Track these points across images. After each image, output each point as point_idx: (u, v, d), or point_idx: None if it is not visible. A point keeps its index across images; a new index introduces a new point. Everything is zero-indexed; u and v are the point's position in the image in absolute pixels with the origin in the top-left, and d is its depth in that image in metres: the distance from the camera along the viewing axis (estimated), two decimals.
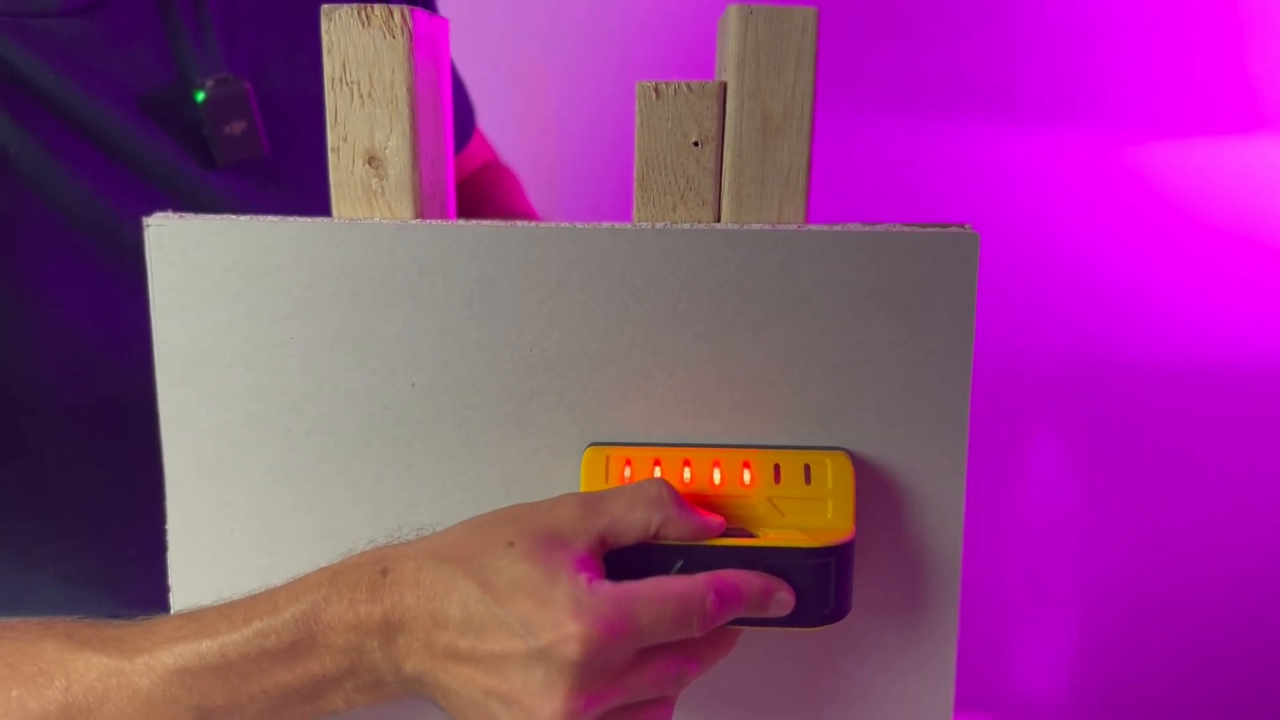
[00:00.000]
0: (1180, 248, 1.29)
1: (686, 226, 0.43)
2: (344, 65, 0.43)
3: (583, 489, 0.43)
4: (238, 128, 0.56)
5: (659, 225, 0.43)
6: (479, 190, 0.78)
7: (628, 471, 0.43)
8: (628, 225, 0.43)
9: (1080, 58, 1.28)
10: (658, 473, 0.43)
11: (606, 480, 0.43)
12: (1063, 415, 1.38)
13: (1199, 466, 1.33)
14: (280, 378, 0.44)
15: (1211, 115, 1.26)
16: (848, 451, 0.43)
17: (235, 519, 0.45)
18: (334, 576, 0.39)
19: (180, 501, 0.46)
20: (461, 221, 0.43)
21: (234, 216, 0.44)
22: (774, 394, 0.43)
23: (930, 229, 0.43)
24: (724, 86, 0.43)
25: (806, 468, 0.43)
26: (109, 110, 0.53)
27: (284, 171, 0.58)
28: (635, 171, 0.43)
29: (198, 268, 0.44)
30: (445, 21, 0.48)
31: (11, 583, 0.57)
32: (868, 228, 0.43)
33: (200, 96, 0.55)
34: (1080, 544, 1.41)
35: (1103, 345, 1.34)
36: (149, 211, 0.44)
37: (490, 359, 0.44)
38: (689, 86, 0.43)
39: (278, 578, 0.40)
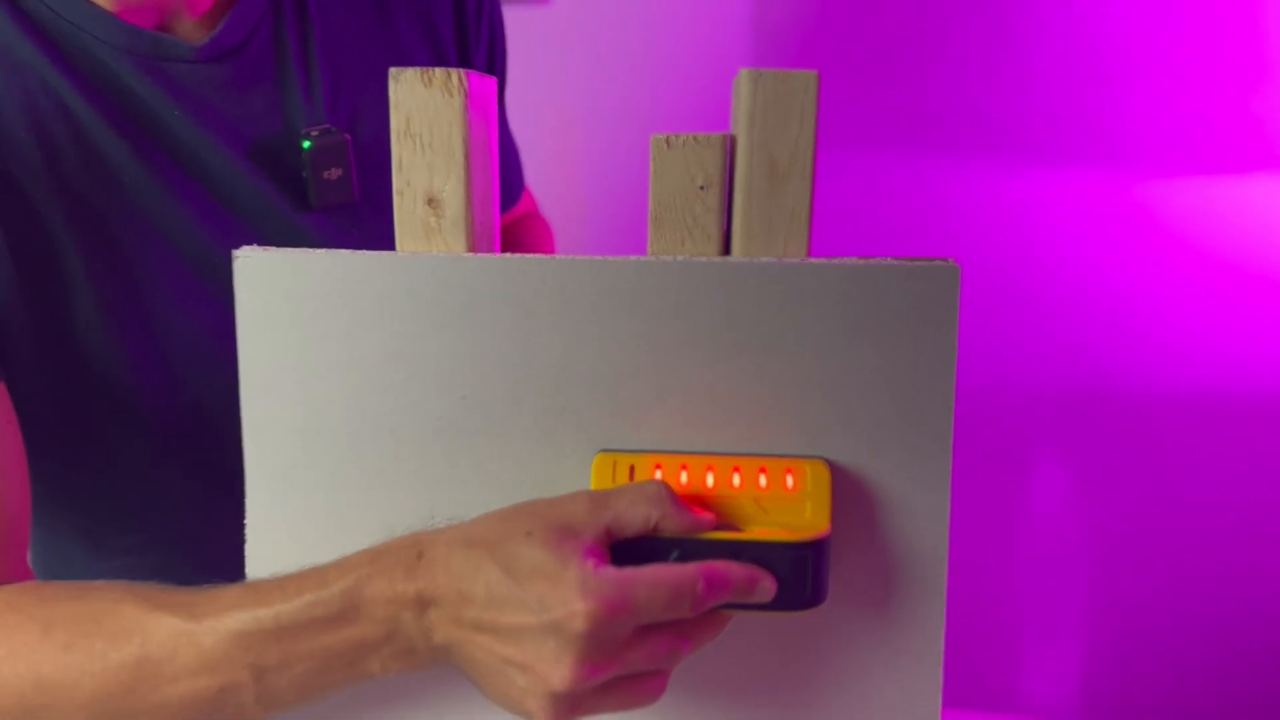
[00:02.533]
0: (1181, 280, 1.33)
1: (700, 259, 0.49)
2: (408, 120, 0.50)
3: (593, 488, 0.49)
4: (335, 174, 0.63)
5: (676, 258, 0.49)
6: (518, 235, 0.84)
7: (632, 473, 0.49)
8: (647, 258, 0.50)
9: (1087, 101, 1.33)
10: (658, 475, 0.48)
11: (613, 481, 0.49)
12: (1069, 438, 1.41)
13: (1197, 486, 1.37)
14: (348, 391, 0.51)
15: (1212, 155, 1.31)
16: (826, 460, 0.49)
17: (307, 511, 0.52)
18: (376, 557, 0.45)
19: (258, 497, 0.52)
20: (506, 255, 0.50)
21: (310, 250, 0.50)
22: (767, 409, 0.49)
23: (916, 263, 0.49)
24: (727, 138, 0.50)
25: (788, 472, 0.49)
26: (221, 150, 0.60)
27: (367, 215, 0.65)
28: (650, 211, 0.50)
29: (278, 295, 0.51)
30: (494, 81, 0.55)
31: (85, 570, 0.63)
32: (860, 261, 0.49)
33: (306, 145, 0.62)
34: (1085, 561, 1.44)
35: (1107, 373, 1.38)
36: (251, 241, 0.51)
37: (525, 375, 0.50)
38: (696, 138, 0.49)
39: None
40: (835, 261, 0.49)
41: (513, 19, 0.91)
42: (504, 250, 0.81)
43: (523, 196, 0.85)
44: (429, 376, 0.50)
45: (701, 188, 0.50)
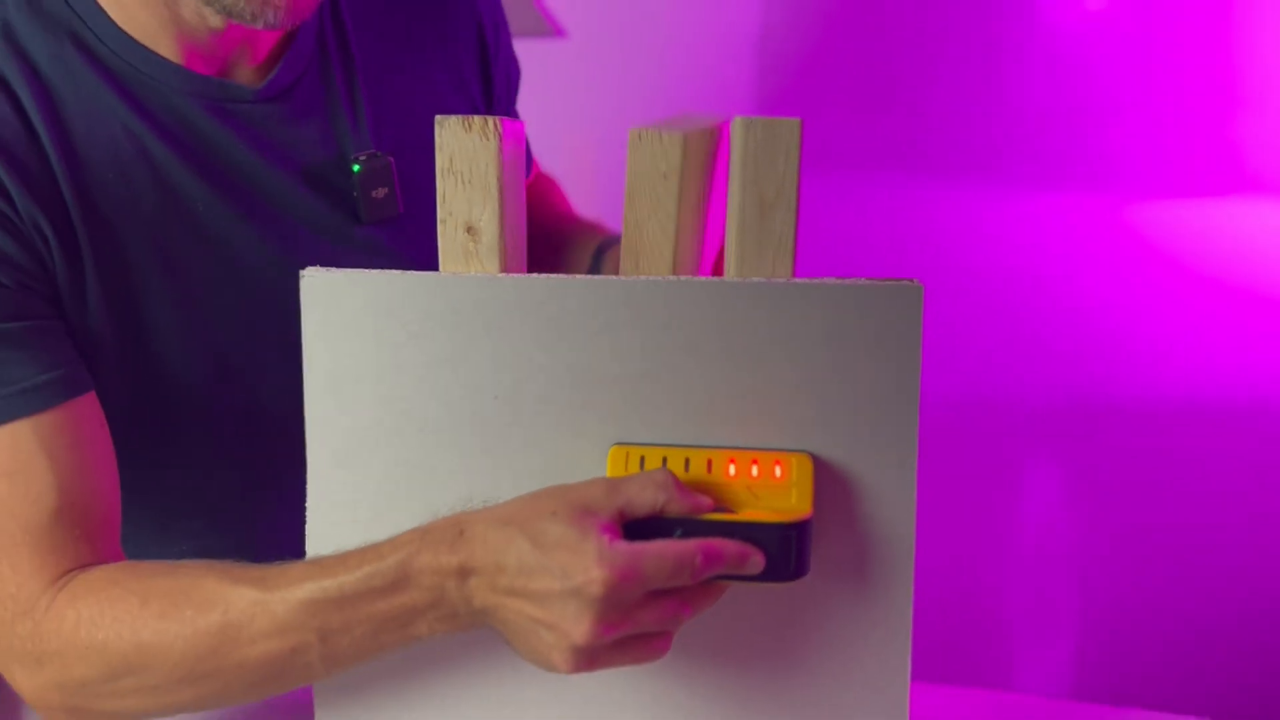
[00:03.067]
0: (1164, 295, 1.40)
1: (702, 280, 0.57)
2: (451, 159, 0.58)
3: (608, 475, 0.57)
4: (381, 193, 0.71)
5: (679, 279, 0.57)
6: (533, 197, 0.93)
7: (642, 463, 0.57)
8: (657, 278, 0.58)
9: (1073, 126, 1.41)
10: (664, 465, 0.56)
11: (626, 470, 0.57)
12: (1059, 443, 1.47)
13: (1182, 488, 1.42)
14: (399, 391, 0.59)
15: (1192, 178, 1.38)
16: (810, 453, 0.57)
17: (360, 497, 0.60)
18: (424, 534, 0.54)
19: (319, 485, 0.60)
20: (534, 275, 0.58)
21: (366, 271, 0.59)
22: (758, 409, 0.57)
23: (884, 283, 0.57)
24: (685, 137, 0.59)
25: (776, 464, 0.57)
26: (281, 176, 0.69)
27: (408, 226, 0.73)
28: (625, 189, 0.58)
29: (338, 309, 0.59)
30: (522, 124, 0.63)
31: (151, 554, 0.70)
32: (836, 281, 0.57)
33: (356, 168, 0.71)
34: (1076, 558, 1.49)
35: (1099, 385, 1.44)
36: (306, 256, 0.59)
37: (550, 378, 0.58)
38: (660, 135, 0.59)
39: None
40: (814, 281, 0.57)
41: (530, 51, 0.99)
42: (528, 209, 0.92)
43: (532, 166, 0.93)
44: (466, 380, 0.58)
45: (664, 176, 0.58)
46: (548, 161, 1.06)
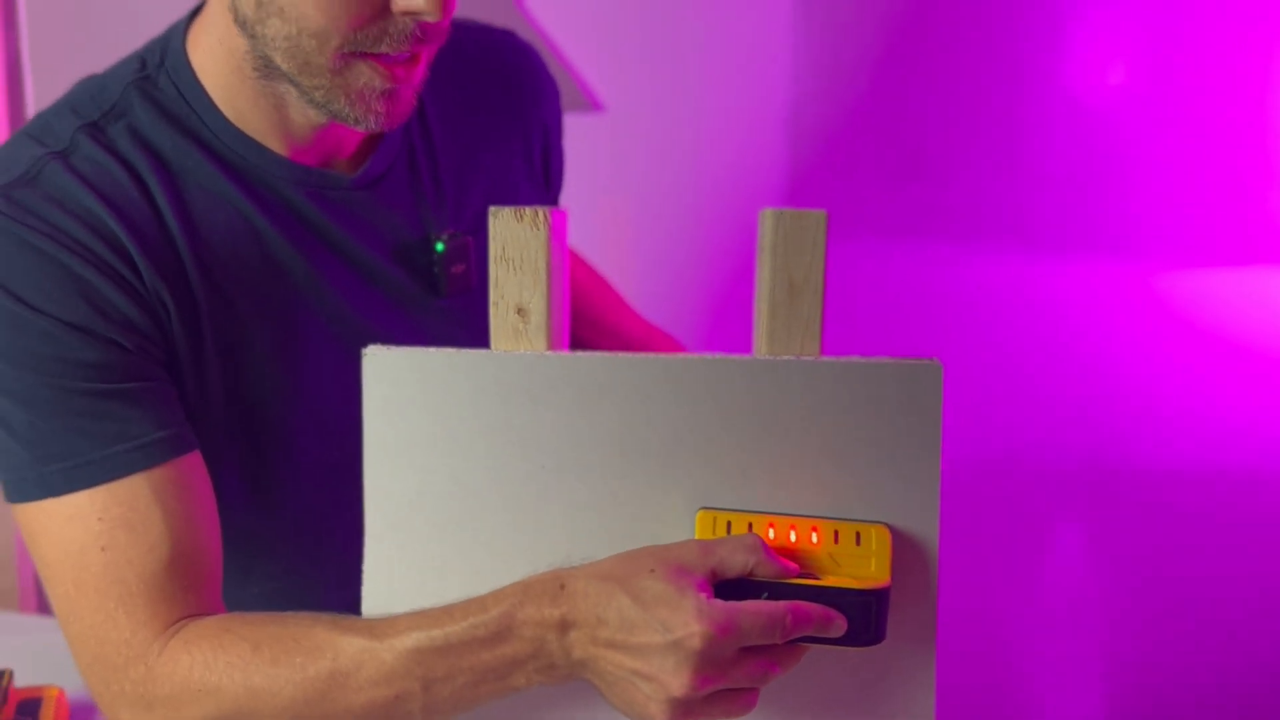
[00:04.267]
0: (1188, 362, 1.43)
1: (735, 357, 0.62)
2: (504, 247, 0.63)
3: (697, 537, 0.60)
4: (460, 269, 0.77)
5: (715, 356, 0.62)
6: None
7: (729, 528, 0.61)
8: (693, 356, 0.62)
9: (1097, 197, 1.45)
10: (750, 529, 0.60)
11: (714, 533, 0.61)
12: (1084, 502, 1.50)
13: (1205, 550, 1.44)
14: (453, 460, 0.63)
15: (1217, 248, 1.41)
16: (889, 525, 0.61)
17: (413, 561, 0.64)
18: (526, 588, 0.57)
19: (375, 549, 0.64)
20: (579, 353, 0.63)
21: (424, 349, 0.63)
22: (786, 476, 0.61)
23: (905, 361, 0.61)
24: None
25: (857, 534, 0.61)
26: (372, 254, 0.75)
27: (481, 299, 0.78)
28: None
29: (398, 383, 0.63)
30: (565, 212, 0.68)
31: (229, 596, 0.74)
32: (861, 360, 0.61)
33: (440, 247, 0.77)
34: (1103, 618, 1.51)
35: (1119, 449, 1.47)
36: (393, 326, 0.64)
37: (593, 448, 0.62)
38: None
39: (451, 599, 0.59)
40: (841, 360, 0.62)
41: (570, 125, 1.05)
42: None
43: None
44: (515, 449, 0.63)
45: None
46: (584, 229, 1.12)
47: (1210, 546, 1.44)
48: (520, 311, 0.64)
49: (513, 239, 0.63)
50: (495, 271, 0.63)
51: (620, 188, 1.57)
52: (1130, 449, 1.47)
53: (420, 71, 0.69)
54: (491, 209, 0.64)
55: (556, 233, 0.64)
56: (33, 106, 1.79)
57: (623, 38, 1.57)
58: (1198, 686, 1.44)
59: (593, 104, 1.55)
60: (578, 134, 1.19)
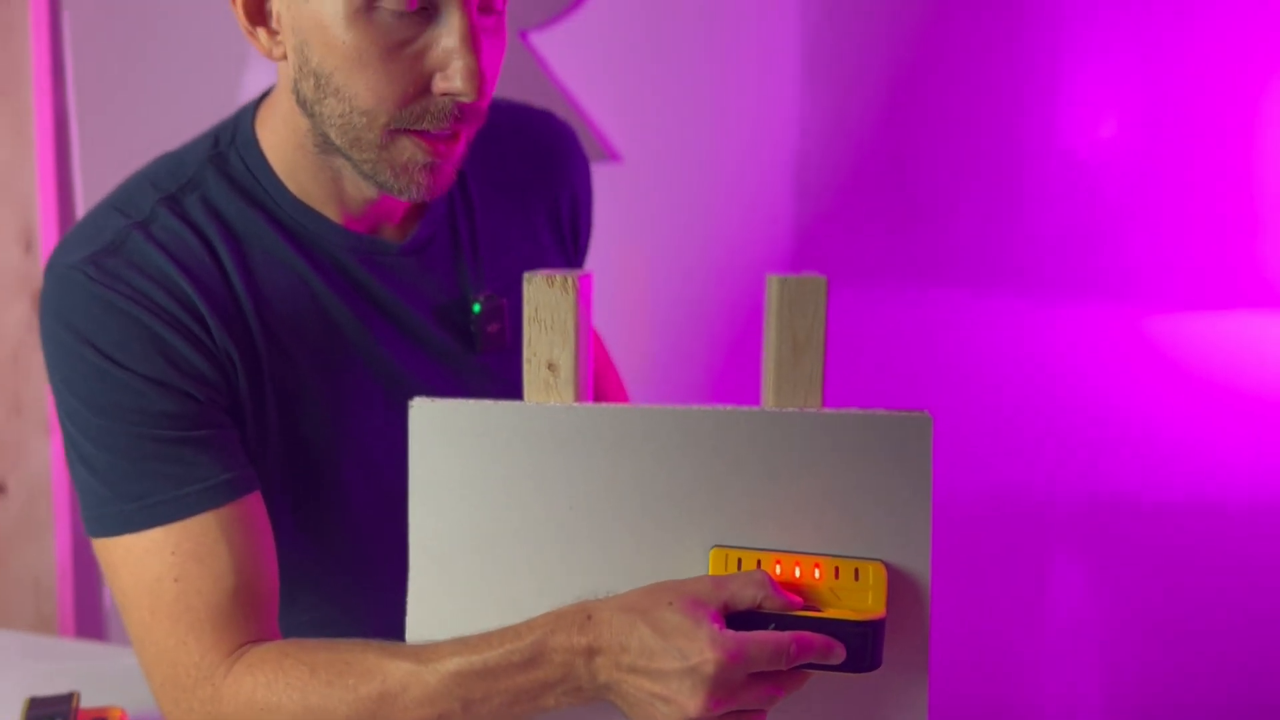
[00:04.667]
0: (1182, 402, 1.46)
1: (745, 409, 0.68)
2: (536, 309, 0.70)
3: (710, 573, 0.66)
4: (495, 328, 0.84)
5: (726, 408, 0.68)
6: (601, 386, 1.03)
7: (740, 564, 0.66)
8: (705, 407, 0.68)
9: (1094, 243, 1.50)
10: (759, 566, 0.66)
11: (725, 570, 0.66)
12: (1085, 541, 1.52)
13: (1201, 585, 1.46)
14: (490, 500, 0.69)
15: (1206, 292, 1.45)
16: (884, 562, 0.66)
17: (454, 593, 0.69)
18: (556, 618, 0.63)
19: (419, 582, 0.70)
20: (603, 404, 0.69)
21: (464, 400, 0.70)
22: (790, 519, 0.67)
23: (898, 414, 0.67)
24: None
25: (856, 570, 0.66)
26: (415, 313, 0.82)
27: (518, 355, 0.84)
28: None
29: (440, 432, 0.69)
30: (590, 277, 0.75)
31: (279, 620, 0.80)
32: (859, 412, 0.67)
33: (477, 308, 0.84)
34: (1102, 651, 1.53)
35: (1117, 485, 1.50)
36: (433, 379, 0.71)
37: (614, 490, 0.68)
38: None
39: (488, 627, 0.65)
40: (839, 412, 0.67)
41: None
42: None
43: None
44: (545, 492, 0.69)
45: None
46: (599, 277, 1.17)
47: (1207, 580, 1.47)
48: (551, 367, 0.70)
49: (544, 302, 0.70)
50: (528, 331, 0.70)
51: (634, 236, 1.63)
52: (1125, 482, 1.49)
53: (460, 148, 0.75)
54: (526, 275, 0.70)
55: (583, 296, 0.71)
56: (78, 161, 1.87)
57: (641, 95, 1.63)
58: (1196, 708, 1.47)
59: (610, 155, 1.62)
60: (597, 183, 1.26)
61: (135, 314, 0.71)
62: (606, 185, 1.65)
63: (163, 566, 0.70)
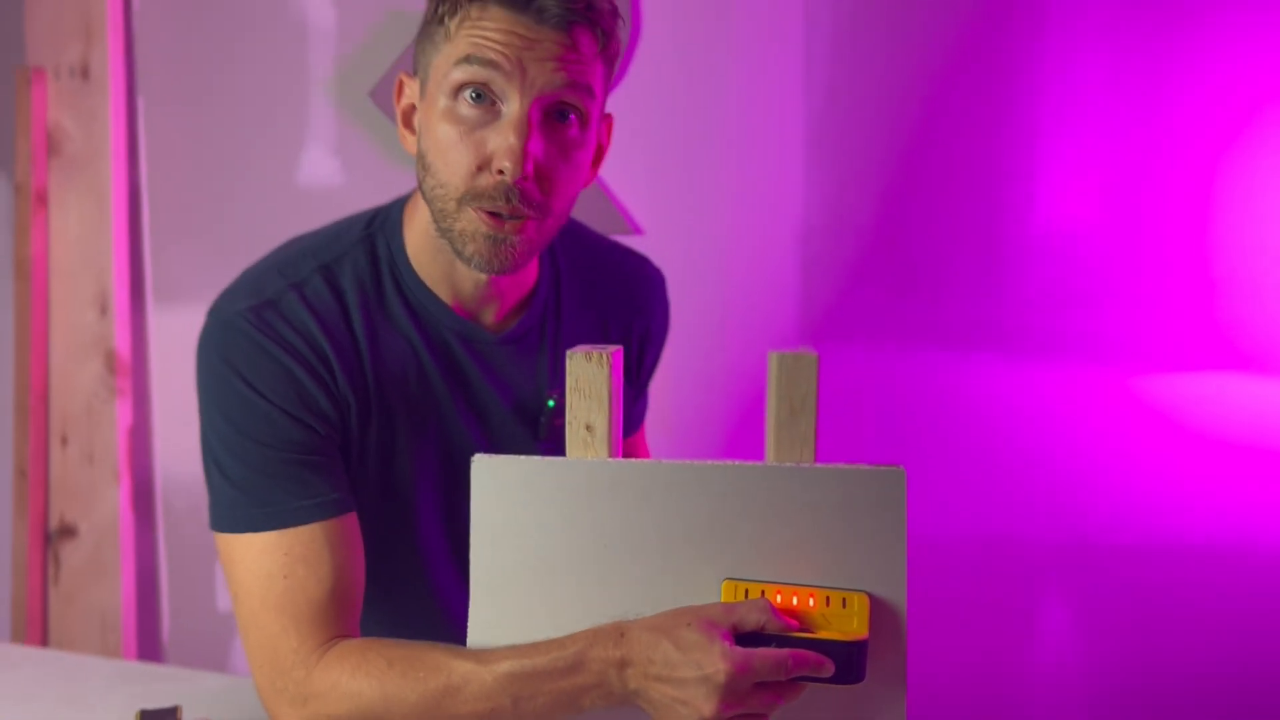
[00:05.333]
0: (1159, 453, 1.55)
1: (751, 463, 0.80)
2: (576, 380, 0.82)
3: (722, 600, 0.77)
4: (560, 422, 0.95)
5: (734, 463, 0.81)
6: (631, 449, 1.15)
7: (746, 594, 0.78)
8: (716, 462, 0.81)
9: (1075, 310, 1.58)
10: (763, 596, 0.77)
11: (735, 598, 0.77)
12: (1070, 582, 1.61)
13: (1180, 624, 1.55)
14: (539, 539, 0.81)
15: (1180, 354, 1.54)
16: (868, 593, 0.77)
17: (509, 615, 0.81)
18: (595, 634, 0.75)
19: (479, 608, 0.82)
20: (631, 460, 0.82)
21: (516, 456, 0.83)
22: (789, 557, 0.79)
23: (878, 468, 0.80)
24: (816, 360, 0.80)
25: (844, 599, 0.77)
26: (495, 395, 0.94)
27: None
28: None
29: (497, 482, 0.82)
30: (620, 351, 0.87)
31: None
32: (843, 466, 0.79)
33: (551, 404, 0.96)
34: (1086, 688, 1.61)
35: (1102, 530, 1.59)
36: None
37: (642, 532, 0.80)
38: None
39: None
40: (824, 467, 0.79)
41: None
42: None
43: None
44: (584, 532, 0.80)
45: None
46: None
47: (1184, 615, 1.53)
48: (589, 428, 0.83)
49: (583, 374, 0.82)
50: (570, 398, 0.81)
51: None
52: (1109, 529, 1.54)
53: (527, 234, 0.85)
54: (569, 351, 0.81)
55: (615, 369, 0.84)
56: (148, 233, 2.01)
57: (663, 175, 1.73)
58: None
59: (634, 229, 1.74)
60: None
61: (281, 358, 0.85)
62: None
63: (275, 565, 0.82)
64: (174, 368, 2.02)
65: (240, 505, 0.84)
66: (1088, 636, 1.61)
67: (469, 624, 0.83)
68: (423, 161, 0.86)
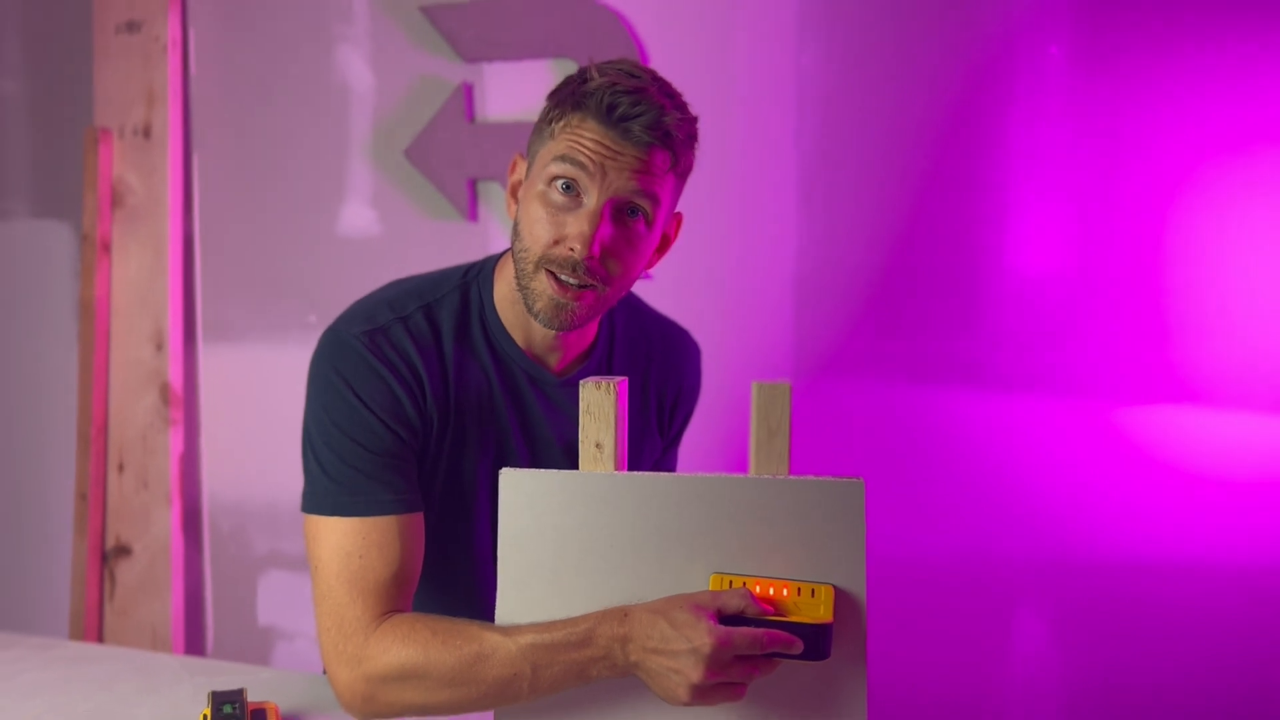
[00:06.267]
0: (1130, 478, 1.64)
1: (736, 475, 0.93)
2: (589, 405, 0.94)
3: (710, 588, 0.89)
4: None
5: (721, 475, 0.95)
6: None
7: (730, 584, 0.89)
8: (706, 475, 0.93)
9: (1045, 348, 1.66)
10: (744, 586, 0.89)
11: (720, 587, 0.89)
12: (1047, 596, 1.69)
13: (1148, 632, 1.63)
14: (556, 540, 0.94)
15: (1145, 387, 1.63)
16: (832, 584, 0.89)
17: (529, 604, 0.94)
18: (603, 614, 0.88)
19: (505, 597, 0.94)
20: (634, 473, 0.95)
21: (538, 470, 0.96)
22: (769, 554, 0.92)
23: (839, 480, 0.94)
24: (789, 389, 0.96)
25: (812, 590, 0.89)
26: (548, 430, 1.08)
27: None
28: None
29: (522, 492, 0.94)
30: (625, 382, 1.01)
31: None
32: (811, 478, 0.92)
33: None
34: (1060, 703, 1.69)
35: (1071, 547, 1.67)
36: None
37: (643, 534, 0.93)
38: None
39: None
40: (791, 479, 0.91)
41: None
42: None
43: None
44: (595, 534, 0.93)
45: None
46: None
47: (1153, 627, 1.59)
48: (598, 446, 0.95)
49: (593, 399, 0.94)
50: (583, 420, 0.94)
51: None
52: (1077, 547, 1.60)
53: (587, 301, 0.98)
54: (580, 381, 0.94)
55: (621, 396, 0.98)
56: (200, 277, 2.15)
57: None
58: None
59: (643, 275, 1.87)
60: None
61: (384, 375, 0.99)
62: (637, 293, 1.85)
63: (353, 545, 0.95)
64: (222, 400, 2.13)
65: (332, 493, 0.97)
66: (1060, 645, 1.68)
67: (496, 611, 0.96)
68: (516, 229, 1.02)
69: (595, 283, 0.99)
